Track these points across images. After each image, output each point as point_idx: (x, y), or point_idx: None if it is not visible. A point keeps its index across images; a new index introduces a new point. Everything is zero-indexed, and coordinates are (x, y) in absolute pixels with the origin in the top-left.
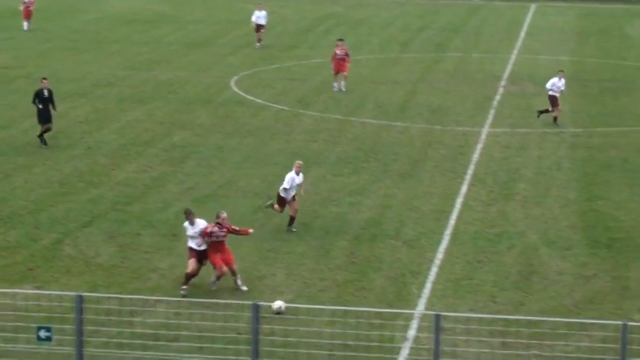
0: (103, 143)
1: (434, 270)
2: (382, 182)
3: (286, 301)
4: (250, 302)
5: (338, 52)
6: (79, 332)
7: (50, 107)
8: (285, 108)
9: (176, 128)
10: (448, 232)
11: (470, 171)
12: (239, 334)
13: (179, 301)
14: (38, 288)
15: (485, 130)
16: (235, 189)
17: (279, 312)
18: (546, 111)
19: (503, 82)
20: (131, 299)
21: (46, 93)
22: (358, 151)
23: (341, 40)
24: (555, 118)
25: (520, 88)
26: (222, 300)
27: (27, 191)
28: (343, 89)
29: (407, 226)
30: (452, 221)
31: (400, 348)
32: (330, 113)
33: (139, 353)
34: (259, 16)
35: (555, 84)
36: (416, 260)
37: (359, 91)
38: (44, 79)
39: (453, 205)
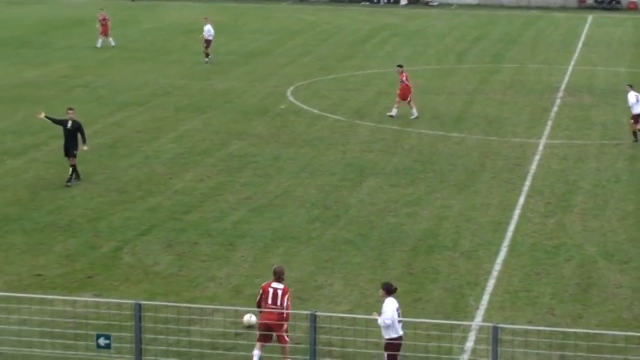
0: (161, 152)
1: (491, 282)
2: (439, 193)
3: (344, 312)
4: (308, 312)
5: (404, 79)
6: (138, 340)
7: (77, 141)
8: (341, 118)
9: (233, 138)
10: (506, 243)
11: (527, 182)
12: (297, 343)
13: (236, 310)
14: (97, 296)
15: (542, 142)
16: (292, 199)
17: (250, 325)
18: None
19: (560, 94)
20: (189, 308)
21: (69, 124)
22: (415, 162)
23: (399, 66)
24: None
25: (577, 100)
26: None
27: (86, 200)
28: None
29: (464, 238)
30: (509, 233)
31: (458, 359)
32: (386, 124)
33: None
34: (206, 30)
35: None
36: (473, 272)
37: (415, 102)
38: (70, 109)
39: (510, 217)
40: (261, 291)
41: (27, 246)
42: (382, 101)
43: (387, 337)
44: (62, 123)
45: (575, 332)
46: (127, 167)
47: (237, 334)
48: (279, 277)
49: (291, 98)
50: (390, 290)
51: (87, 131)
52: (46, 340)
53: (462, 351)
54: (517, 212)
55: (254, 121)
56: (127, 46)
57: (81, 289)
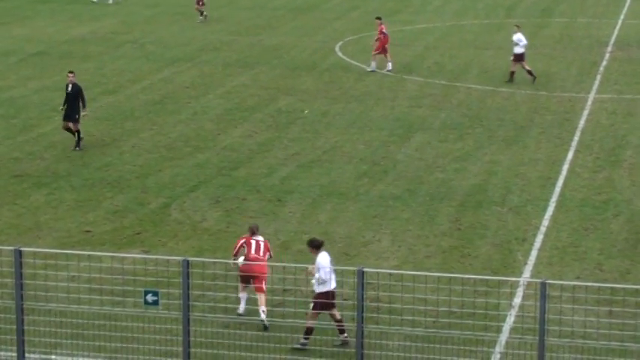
0: (209, 108)
1: (540, 237)
2: (487, 148)
3: (391, 268)
4: (355, 268)
5: (382, 31)
6: (186, 297)
7: (78, 105)
8: (389, 73)
9: (281, 93)
10: (554, 199)
11: (576, 137)
12: (345, 299)
13: (284, 267)
14: (145, 252)
15: (591, 97)
16: (340, 154)
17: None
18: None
19: (609, 48)
20: (237, 264)
21: (69, 88)
22: (463, 117)
23: (377, 18)
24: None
25: (627, 54)
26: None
27: (134, 156)
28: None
29: (512, 193)
30: (558, 188)
31: (506, 315)
32: (434, 79)
33: (245, 318)
34: None
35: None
36: (521, 227)
37: (464, 57)
38: (70, 72)
39: (559, 172)
40: (243, 241)
41: (76, 202)
42: (430, 56)
43: (318, 291)
44: (65, 89)
45: (623, 288)
46: (176, 123)
47: (285, 290)
48: (253, 232)
49: (340, 53)
50: (318, 245)
51: (136, 87)
52: (94, 296)
53: (510, 307)
54: (566, 167)
55: (302, 76)
56: (175, 1)
57: (129, 245)
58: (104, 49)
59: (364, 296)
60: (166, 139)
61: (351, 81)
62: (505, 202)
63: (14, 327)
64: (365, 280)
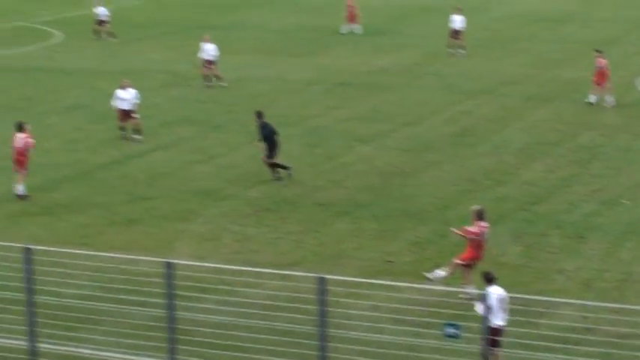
0: (509, 142)
1: None
2: None
3: None
4: None
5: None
6: (485, 331)
7: (269, 143)
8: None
9: (582, 128)
10: None
11: None
12: None
13: (585, 305)
14: (447, 285)
15: None
16: None
17: None
18: None
19: None
20: (536, 300)
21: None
22: None
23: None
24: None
25: None
26: (633, 306)
27: (435, 188)
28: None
29: None
30: None
31: None
32: None
33: (542, 355)
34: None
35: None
36: None
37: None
38: (257, 113)
39: None
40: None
41: (378, 232)
42: None
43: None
44: None
45: None
46: (476, 156)
47: (587, 330)
48: (480, 216)
49: None
50: (487, 279)
51: (436, 119)
52: (395, 326)
53: None
54: None
55: (604, 111)
56: (476, 34)
57: None
58: (406, 80)
59: None
60: (467, 172)
61: None
62: None
63: (317, 353)
64: None
